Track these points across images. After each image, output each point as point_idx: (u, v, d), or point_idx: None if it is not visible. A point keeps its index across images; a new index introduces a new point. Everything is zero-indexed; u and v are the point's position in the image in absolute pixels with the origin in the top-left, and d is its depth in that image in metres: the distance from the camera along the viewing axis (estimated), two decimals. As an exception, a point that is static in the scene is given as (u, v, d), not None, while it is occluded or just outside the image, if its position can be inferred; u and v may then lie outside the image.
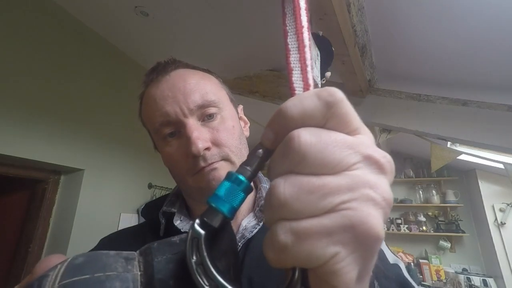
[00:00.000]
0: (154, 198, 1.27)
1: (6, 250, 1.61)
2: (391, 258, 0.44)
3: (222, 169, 0.41)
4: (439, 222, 3.48)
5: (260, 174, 0.51)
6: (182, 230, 0.43)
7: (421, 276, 3.29)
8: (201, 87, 0.43)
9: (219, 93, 0.46)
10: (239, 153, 0.44)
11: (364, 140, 0.17)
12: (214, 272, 0.18)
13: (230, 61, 1.95)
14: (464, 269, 3.24)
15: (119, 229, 0.67)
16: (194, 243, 0.19)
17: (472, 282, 3.01)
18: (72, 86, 1.63)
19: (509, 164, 1.67)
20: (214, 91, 0.44)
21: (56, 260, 0.21)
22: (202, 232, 0.19)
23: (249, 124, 0.55)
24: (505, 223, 2.99)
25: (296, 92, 0.21)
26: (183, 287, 0.20)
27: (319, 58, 1.03)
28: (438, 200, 3.52)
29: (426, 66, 1.53)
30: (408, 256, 3.47)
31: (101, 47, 1.87)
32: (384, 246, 0.46)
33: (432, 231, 3.49)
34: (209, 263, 0.18)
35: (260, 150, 0.20)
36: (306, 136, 0.16)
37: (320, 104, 0.17)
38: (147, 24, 1.68)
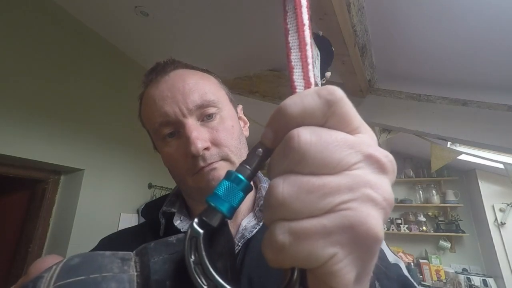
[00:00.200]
0: (154, 198, 1.27)
1: (6, 250, 1.61)
2: (391, 257, 0.44)
3: (222, 169, 0.41)
4: (439, 222, 3.48)
5: (260, 174, 0.51)
6: (182, 230, 0.43)
7: (421, 276, 3.29)
8: (200, 87, 0.43)
9: (218, 93, 0.46)
10: (239, 153, 0.44)
11: (365, 139, 0.17)
12: (213, 272, 0.18)
13: (230, 61, 1.95)
14: (464, 269, 3.24)
15: (119, 229, 0.67)
16: (193, 243, 0.19)
17: (472, 282, 3.01)
18: (72, 86, 1.63)
19: (509, 164, 1.67)
20: (213, 91, 0.44)
21: (52, 261, 0.21)
22: (201, 231, 0.19)
23: (248, 124, 0.55)
24: (505, 223, 2.99)
25: (297, 90, 0.21)
26: None
27: (319, 58, 1.03)
28: (438, 200, 3.52)
29: (426, 66, 1.52)
30: (408, 256, 3.47)
31: (101, 47, 1.87)
32: (384, 246, 0.46)
33: (432, 231, 3.49)
34: (207, 262, 0.18)
35: (260, 149, 0.20)
36: (306, 135, 0.16)
37: (321, 102, 0.17)
38: (147, 24, 1.68)
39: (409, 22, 1.23)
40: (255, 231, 0.41)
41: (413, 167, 3.80)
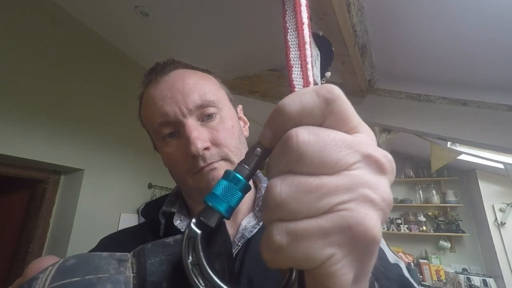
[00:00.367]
0: (154, 198, 1.27)
1: (6, 250, 1.61)
2: (391, 258, 0.44)
3: (222, 169, 0.41)
4: (439, 222, 3.48)
5: (260, 174, 0.51)
6: (182, 230, 0.43)
7: (421, 276, 3.29)
8: (200, 87, 0.43)
9: (218, 93, 0.46)
10: (239, 152, 0.44)
11: (364, 139, 0.17)
12: (211, 273, 0.18)
13: (230, 61, 1.95)
14: (464, 269, 3.24)
15: (119, 229, 0.67)
16: (190, 243, 0.19)
17: (472, 282, 3.01)
18: (72, 86, 1.63)
19: (509, 164, 1.67)
20: (213, 91, 0.44)
21: (48, 262, 0.21)
22: (198, 231, 0.19)
23: (248, 124, 0.55)
24: (505, 223, 2.99)
25: (296, 89, 0.20)
26: None
27: (319, 58, 1.03)
28: (438, 200, 3.52)
29: (426, 66, 1.52)
30: (408, 256, 3.47)
31: (101, 47, 1.87)
32: (384, 246, 0.45)
33: (432, 231, 3.49)
34: (205, 263, 0.18)
35: (259, 149, 0.19)
36: (304, 135, 0.16)
37: (319, 100, 0.17)
38: (147, 24, 1.67)
39: (409, 22, 1.23)
40: (255, 231, 0.41)
41: (413, 167, 3.80)
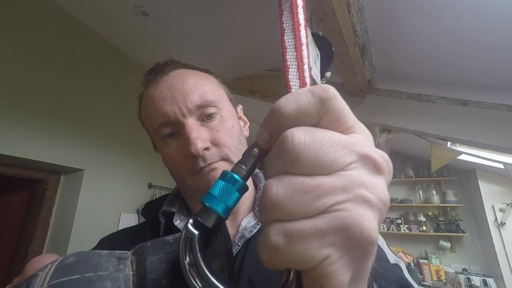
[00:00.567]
0: (154, 198, 1.27)
1: (6, 249, 1.61)
2: (392, 258, 0.44)
3: (222, 169, 0.40)
4: (439, 222, 3.48)
5: (260, 174, 0.51)
6: (181, 230, 0.43)
7: (421, 276, 3.29)
8: (199, 87, 0.43)
9: (218, 93, 0.45)
10: (239, 153, 0.44)
11: (360, 139, 0.17)
12: (208, 274, 0.18)
13: (230, 61, 1.95)
14: (464, 269, 3.24)
15: (119, 229, 0.67)
16: (188, 244, 0.19)
17: (472, 282, 3.01)
18: (72, 86, 1.63)
19: (509, 164, 1.67)
20: (213, 91, 0.44)
21: (48, 260, 0.21)
22: (195, 232, 0.19)
23: (248, 124, 0.55)
24: (505, 223, 2.99)
25: (292, 90, 0.20)
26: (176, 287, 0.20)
27: (319, 58, 1.03)
28: (438, 200, 3.52)
29: (426, 66, 1.52)
30: (408, 256, 3.47)
31: (101, 47, 1.87)
32: (385, 246, 0.45)
33: (432, 231, 3.49)
34: (202, 264, 0.18)
35: (256, 149, 0.20)
36: (300, 136, 0.16)
37: (315, 100, 0.16)
38: (147, 24, 1.67)
39: (409, 22, 1.23)
40: (255, 231, 0.41)
41: (413, 167, 3.80)
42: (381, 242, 0.46)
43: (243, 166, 0.20)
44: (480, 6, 1.04)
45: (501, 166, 1.73)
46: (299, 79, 0.21)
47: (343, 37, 1.17)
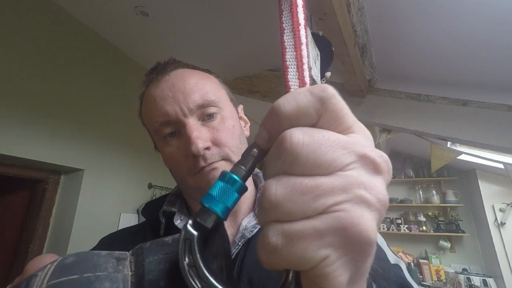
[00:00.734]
0: (154, 198, 1.27)
1: (7, 249, 1.61)
2: (392, 258, 0.44)
3: (222, 169, 0.40)
4: (439, 222, 3.48)
5: (260, 174, 0.51)
6: (182, 230, 0.43)
7: (421, 276, 3.29)
8: (200, 87, 0.43)
9: (218, 92, 0.45)
10: (239, 152, 0.43)
11: (359, 139, 0.17)
12: (207, 274, 0.18)
13: (230, 61, 1.95)
14: (464, 269, 3.24)
15: (119, 229, 0.67)
16: (187, 244, 0.19)
17: (472, 282, 3.01)
18: (72, 86, 1.63)
19: (509, 164, 1.67)
20: (213, 90, 0.44)
21: (48, 260, 0.21)
22: (195, 233, 0.19)
23: (249, 124, 0.55)
24: (505, 223, 2.99)
25: (291, 90, 0.20)
26: None
27: (319, 58, 1.03)
28: (438, 200, 3.52)
29: (426, 66, 1.53)
30: (408, 256, 3.47)
31: (101, 47, 1.87)
32: (385, 246, 0.45)
33: (432, 231, 3.49)
34: (201, 265, 0.18)
35: (255, 149, 0.19)
36: (299, 136, 0.16)
37: (313, 99, 0.16)
38: (147, 24, 1.68)
39: (409, 22, 1.23)
40: (255, 230, 0.41)
41: (413, 167, 3.81)
42: (381, 242, 0.46)
43: (242, 167, 0.20)
44: (480, 6, 1.04)
45: (501, 166, 1.73)
46: (299, 79, 0.21)
47: (343, 37, 1.17)
